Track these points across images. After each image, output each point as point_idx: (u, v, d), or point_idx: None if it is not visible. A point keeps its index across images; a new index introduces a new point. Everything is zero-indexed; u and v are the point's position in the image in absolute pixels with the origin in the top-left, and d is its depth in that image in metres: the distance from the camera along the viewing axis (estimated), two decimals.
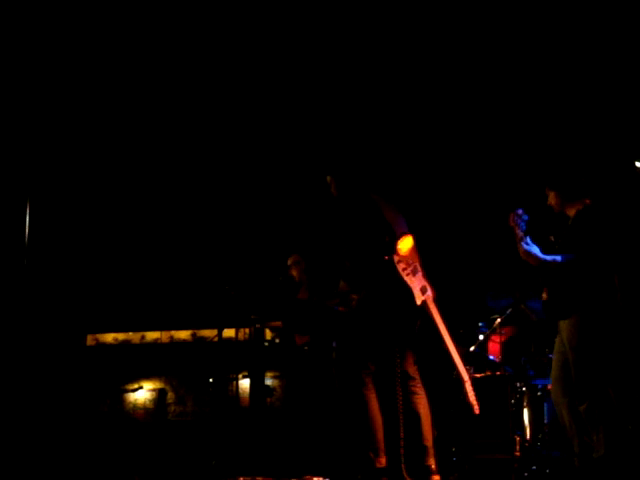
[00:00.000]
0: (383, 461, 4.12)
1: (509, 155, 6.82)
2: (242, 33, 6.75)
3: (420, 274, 4.20)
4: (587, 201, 4.28)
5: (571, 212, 4.33)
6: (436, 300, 4.25)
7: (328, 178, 4.49)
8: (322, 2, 6.51)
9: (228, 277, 7.23)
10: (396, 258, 4.12)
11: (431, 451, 4.15)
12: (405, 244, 4.22)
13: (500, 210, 4.42)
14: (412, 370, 4.29)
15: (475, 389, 4.24)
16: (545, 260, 4.18)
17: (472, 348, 5.80)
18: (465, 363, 4.56)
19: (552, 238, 4.38)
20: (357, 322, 4.24)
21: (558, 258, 4.17)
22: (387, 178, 4.84)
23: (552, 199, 4.38)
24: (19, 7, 6.23)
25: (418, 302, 4.14)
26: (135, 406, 6.81)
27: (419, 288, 4.16)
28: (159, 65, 6.98)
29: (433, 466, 4.13)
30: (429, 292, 4.21)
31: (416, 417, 4.16)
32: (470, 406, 4.22)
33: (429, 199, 6.92)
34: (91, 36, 6.61)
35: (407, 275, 4.12)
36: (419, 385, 4.27)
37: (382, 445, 4.14)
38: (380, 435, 4.15)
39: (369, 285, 4.22)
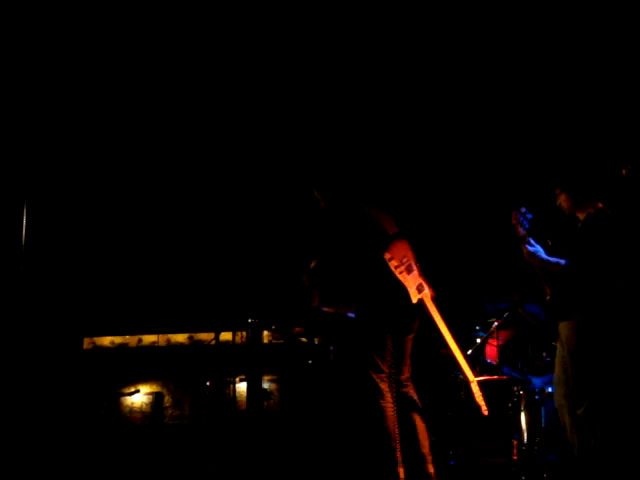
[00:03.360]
0: (402, 472, 4.05)
1: (509, 159, 6.81)
2: (234, 37, 6.73)
3: (416, 272, 4.16)
4: (599, 205, 4.27)
5: (581, 215, 4.32)
6: (435, 299, 4.21)
7: (315, 192, 4.49)
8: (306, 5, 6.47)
9: (226, 280, 7.25)
10: (387, 256, 4.09)
11: (429, 458, 4.11)
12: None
13: (498, 213, 4.41)
14: (407, 374, 4.26)
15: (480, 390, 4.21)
16: (549, 262, 4.18)
17: (469, 352, 5.79)
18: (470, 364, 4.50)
19: (549, 242, 4.37)
20: (356, 324, 4.22)
21: (562, 261, 4.17)
22: (382, 181, 4.82)
23: (563, 201, 4.36)
24: (19, 7, 6.21)
25: (414, 300, 4.10)
26: (132, 410, 6.79)
27: (415, 286, 4.12)
28: (159, 65, 6.96)
29: (433, 473, 4.10)
30: (426, 290, 4.16)
31: (411, 424, 4.13)
32: (478, 407, 4.18)
33: (426, 201, 6.91)
34: (90, 36, 6.59)
35: (400, 273, 4.09)
36: (412, 390, 4.24)
37: (400, 455, 4.06)
38: (397, 445, 4.07)
39: (364, 286, 4.20)
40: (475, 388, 4.19)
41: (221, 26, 6.62)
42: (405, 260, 4.13)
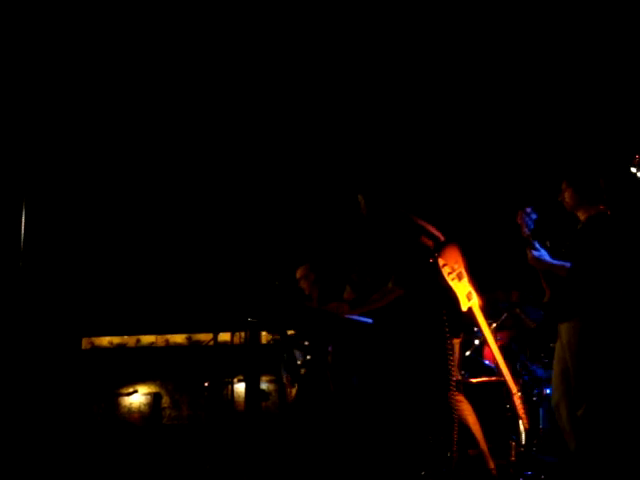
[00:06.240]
0: None
1: (510, 159, 6.81)
2: (269, 43, 6.73)
3: (466, 280, 4.14)
4: (601, 207, 4.27)
5: (582, 216, 4.31)
6: (483, 308, 4.19)
7: (359, 197, 4.45)
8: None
9: (225, 281, 7.24)
10: (441, 262, 4.06)
11: (488, 454, 4.15)
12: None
13: (498, 216, 4.41)
14: (457, 377, 4.25)
15: (474, 395, 4.21)
16: (554, 265, 4.18)
17: (467, 353, 5.78)
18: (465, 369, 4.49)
19: (548, 243, 4.37)
20: (397, 331, 4.20)
21: (567, 264, 4.17)
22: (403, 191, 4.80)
23: (567, 197, 4.34)
24: (19, 7, 6.22)
25: (464, 308, 4.08)
26: (130, 410, 6.79)
27: (465, 294, 4.10)
28: (160, 65, 6.96)
29: (494, 469, 4.11)
30: (475, 299, 4.15)
31: (465, 425, 4.14)
32: (519, 419, 4.18)
33: (427, 204, 6.89)
34: (90, 36, 6.59)
35: (452, 280, 4.06)
36: (459, 392, 4.24)
37: None
38: None
39: (414, 290, 4.16)
40: (517, 401, 4.17)
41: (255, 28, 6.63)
42: (457, 267, 4.11)
